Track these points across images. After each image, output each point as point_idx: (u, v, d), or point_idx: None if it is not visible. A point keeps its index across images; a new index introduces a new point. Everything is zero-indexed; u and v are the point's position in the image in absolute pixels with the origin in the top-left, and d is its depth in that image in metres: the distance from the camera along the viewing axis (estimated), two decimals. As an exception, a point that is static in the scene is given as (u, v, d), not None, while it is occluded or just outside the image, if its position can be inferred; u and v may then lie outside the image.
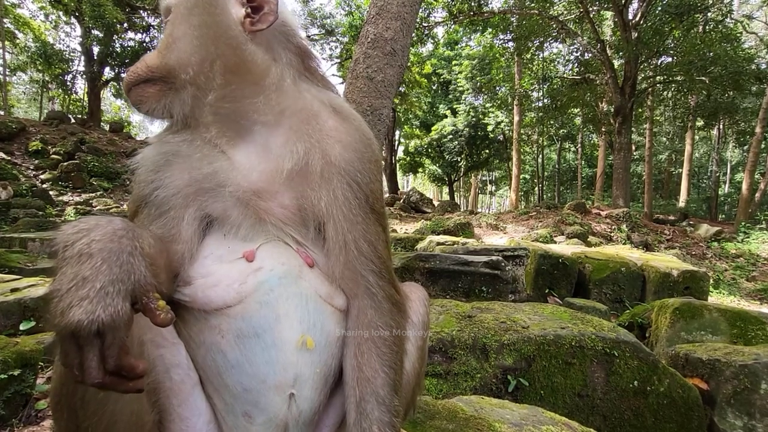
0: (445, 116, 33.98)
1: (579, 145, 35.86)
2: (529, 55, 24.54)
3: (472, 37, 34.02)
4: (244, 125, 1.08)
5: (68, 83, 28.66)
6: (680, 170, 32.14)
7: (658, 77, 21.80)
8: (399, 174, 41.27)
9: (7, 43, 24.21)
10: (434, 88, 37.07)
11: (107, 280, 0.68)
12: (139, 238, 0.78)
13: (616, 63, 21.56)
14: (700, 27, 19.63)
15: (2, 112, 23.05)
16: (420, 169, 42.31)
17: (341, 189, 1.06)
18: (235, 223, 1.05)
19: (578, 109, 27.09)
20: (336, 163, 1.07)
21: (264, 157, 1.08)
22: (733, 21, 20.38)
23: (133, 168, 1.10)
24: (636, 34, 18.36)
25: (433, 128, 34.19)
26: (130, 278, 0.72)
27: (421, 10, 17.34)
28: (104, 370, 0.66)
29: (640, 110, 25.50)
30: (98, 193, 15.78)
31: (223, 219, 1.06)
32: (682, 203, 27.62)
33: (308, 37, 24.06)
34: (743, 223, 17.55)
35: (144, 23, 26.19)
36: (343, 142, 1.11)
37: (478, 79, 29.77)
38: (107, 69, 26.51)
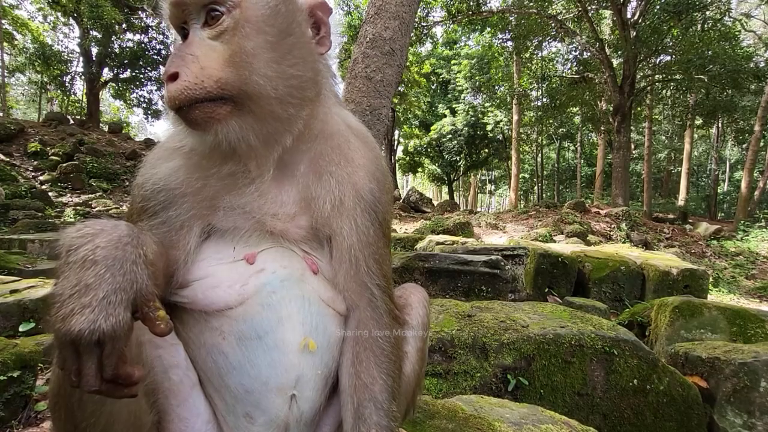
0: (444, 116, 34.00)
1: (578, 144, 35.89)
2: (527, 55, 24.56)
3: (470, 37, 34.04)
4: (280, 152, 1.03)
5: (67, 84, 28.66)
6: (679, 169, 32.17)
7: (656, 76, 21.81)
8: (398, 174, 41.31)
9: (5, 44, 24.18)
10: (433, 87, 37.09)
11: (110, 289, 0.68)
12: (143, 246, 0.77)
13: (615, 62, 21.58)
14: (699, 25, 19.66)
15: (1, 114, 23.02)
16: (419, 169, 42.34)
17: (362, 217, 1.11)
18: (241, 234, 1.04)
19: (577, 108, 27.11)
20: (364, 196, 1.12)
21: (292, 185, 1.08)
22: (732, 19, 20.45)
23: (145, 177, 1.03)
24: (634, 33, 18.38)
25: (432, 128, 34.20)
26: (133, 287, 0.71)
27: (419, 10, 17.34)
28: (101, 378, 0.67)
29: (639, 109, 25.52)
30: (97, 194, 15.76)
31: (229, 231, 1.04)
32: (681, 202, 27.63)
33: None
34: (742, 222, 17.57)
35: (143, 24, 26.17)
36: (368, 173, 1.14)
37: (477, 78, 29.80)
38: (106, 70, 26.52)
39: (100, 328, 0.64)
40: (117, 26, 23.83)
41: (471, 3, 20.57)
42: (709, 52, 17.53)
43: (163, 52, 27.97)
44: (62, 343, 0.66)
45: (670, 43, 19.33)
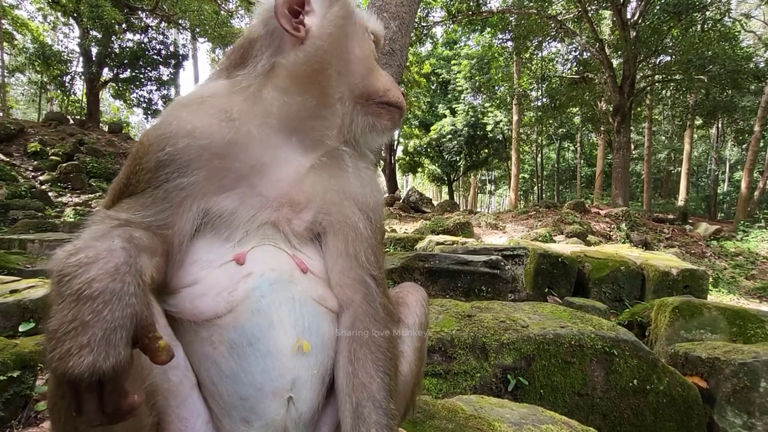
0: (444, 116, 33.97)
1: (578, 144, 35.92)
2: (527, 55, 24.54)
3: (470, 37, 34.05)
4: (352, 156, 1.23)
5: (67, 84, 28.57)
6: (679, 169, 32.19)
7: (656, 76, 21.82)
8: (398, 174, 41.29)
9: (5, 44, 24.18)
10: (433, 87, 37.06)
11: (109, 327, 0.65)
12: (142, 273, 0.75)
13: (615, 62, 21.58)
14: (699, 26, 19.66)
15: (1, 114, 23.03)
16: (419, 169, 42.29)
17: (367, 211, 1.17)
18: (236, 225, 1.02)
19: (577, 109, 27.10)
20: (370, 191, 1.21)
21: (317, 177, 1.13)
22: (732, 20, 20.44)
23: (178, 125, 0.99)
24: (634, 33, 18.38)
25: (432, 128, 34.18)
26: (132, 321, 0.69)
27: (419, 10, 17.34)
28: (103, 413, 0.65)
29: (639, 109, 25.54)
30: (97, 194, 15.73)
31: (224, 218, 1.02)
32: (681, 202, 27.64)
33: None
34: (742, 222, 17.57)
35: (142, 24, 26.16)
36: (370, 167, 1.27)
37: (476, 78, 29.78)
38: (106, 70, 26.46)
39: (100, 370, 0.62)
40: (117, 26, 23.77)
41: (471, 3, 20.57)
42: (709, 52, 17.52)
43: (163, 52, 27.97)
44: (60, 382, 0.64)
45: (670, 44, 19.32)
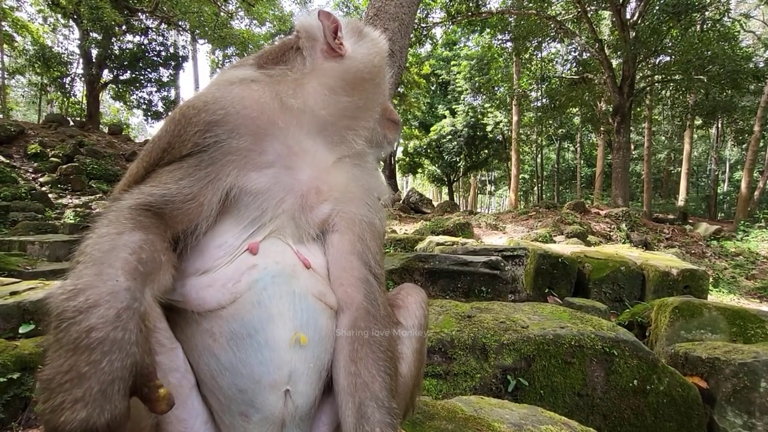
0: (444, 117, 34.01)
1: (578, 144, 35.92)
2: (527, 55, 24.55)
3: (470, 38, 34.14)
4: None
5: (67, 86, 28.59)
6: (679, 169, 32.18)
7: (656, 76, 21.82)
8: (398, 175, 41.30)
9: (5, 46, 24.21)
10: (433, 88, 37.10)
11: (107, 380, 0.62)
12: (146, 315, 0.72)
13: (615, 62, 21.58)
14: (698, 26, 19.70)
15: (1, 115, 23.04)
16: (419, 170, 42.31)
17: (377, 211, 1.25)
18: (265, 207, 1.05)
19: (577, 109, 27.08)
20: (379, 194, 1.30)
21: (343, 171, 1.21)
22: (731, 20, 20.42)
23: (232, 95, 1.06)
24: (634, 34, 18.39)
25: (431, 129, 34.21)
26: (132, 372, 0.66)
27: (419, 11, 17.37)
28: None
29: (638, 109, 25.53)
30: (97, 196, 15.73)
31: (256, 196, 1.04)
32: (681, 202, 27.61)
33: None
34: (742, 222, 17.57)
35: (142, 26, 26.19)
36: (377, 170, 1.37)
37: (476, 79, 29.82)
38: (106, 71, 26.49)
39: (94, 426, 0.60)
40: (117, 28, 23.79)
41: (470, 4, 20.60)
42: (709, 52, 17.52)
43: (163, 53, 28.00)
44: None
45: (670, 44, 19.32)
